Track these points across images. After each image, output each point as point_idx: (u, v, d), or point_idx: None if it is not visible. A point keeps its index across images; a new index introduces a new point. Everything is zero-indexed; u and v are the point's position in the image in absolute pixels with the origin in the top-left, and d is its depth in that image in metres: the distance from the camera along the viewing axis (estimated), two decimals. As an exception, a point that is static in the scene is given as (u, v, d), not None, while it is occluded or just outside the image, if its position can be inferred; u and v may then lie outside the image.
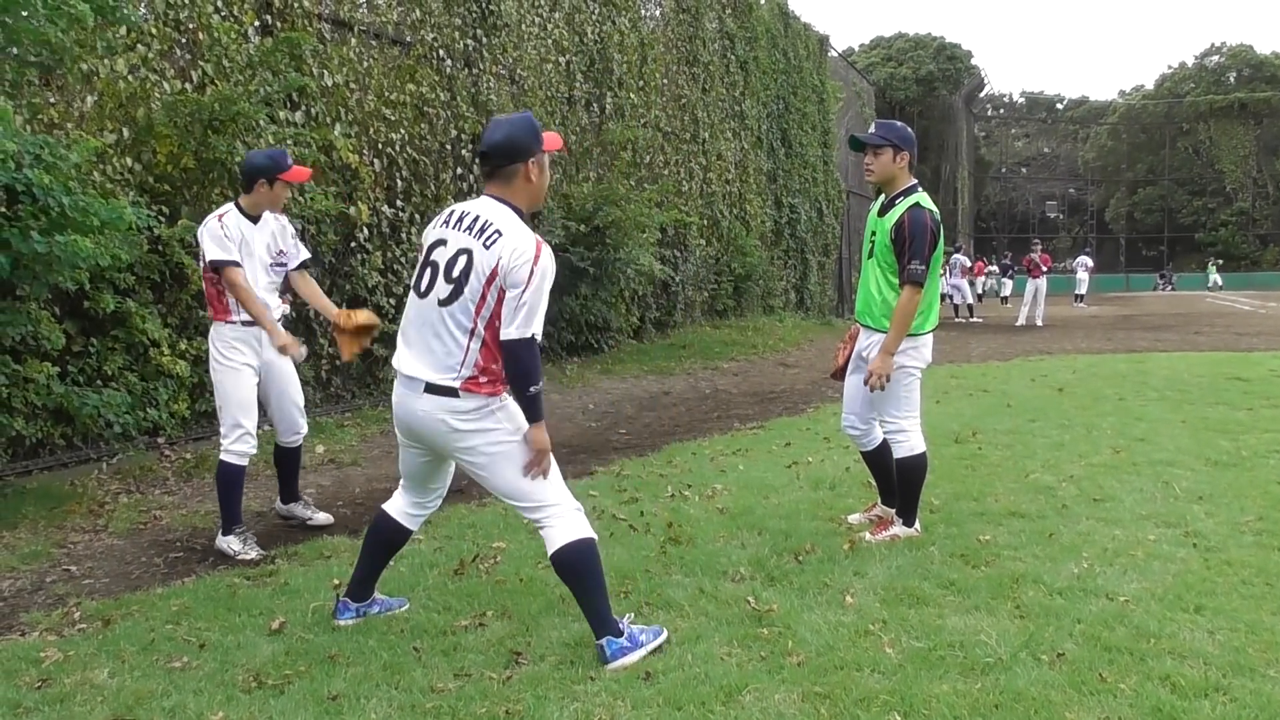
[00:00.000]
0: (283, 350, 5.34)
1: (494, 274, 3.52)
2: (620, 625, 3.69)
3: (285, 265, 5.54)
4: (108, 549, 5.46)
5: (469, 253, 3.57)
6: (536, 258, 3.54)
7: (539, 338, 3.60)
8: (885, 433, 5.28)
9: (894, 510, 5.35)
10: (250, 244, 5.29)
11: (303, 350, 5.49)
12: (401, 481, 4.06)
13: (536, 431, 3.67)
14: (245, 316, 5.28)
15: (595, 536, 3.73)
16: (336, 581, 4.58)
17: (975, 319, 27.57)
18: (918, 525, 5.27)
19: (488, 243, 3.55)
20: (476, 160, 3.77)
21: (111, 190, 6.90)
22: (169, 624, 4.13)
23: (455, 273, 3.59)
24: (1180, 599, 4.17)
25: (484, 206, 3.67)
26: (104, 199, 6.19)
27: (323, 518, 5.90)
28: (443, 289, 3.61)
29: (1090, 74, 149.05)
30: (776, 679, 3.47)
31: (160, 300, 7.54)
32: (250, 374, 5.33)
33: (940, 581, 4.46)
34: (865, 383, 5.07)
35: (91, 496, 6.36)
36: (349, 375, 9.81)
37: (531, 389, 3.61)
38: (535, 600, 4.30)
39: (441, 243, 3.68)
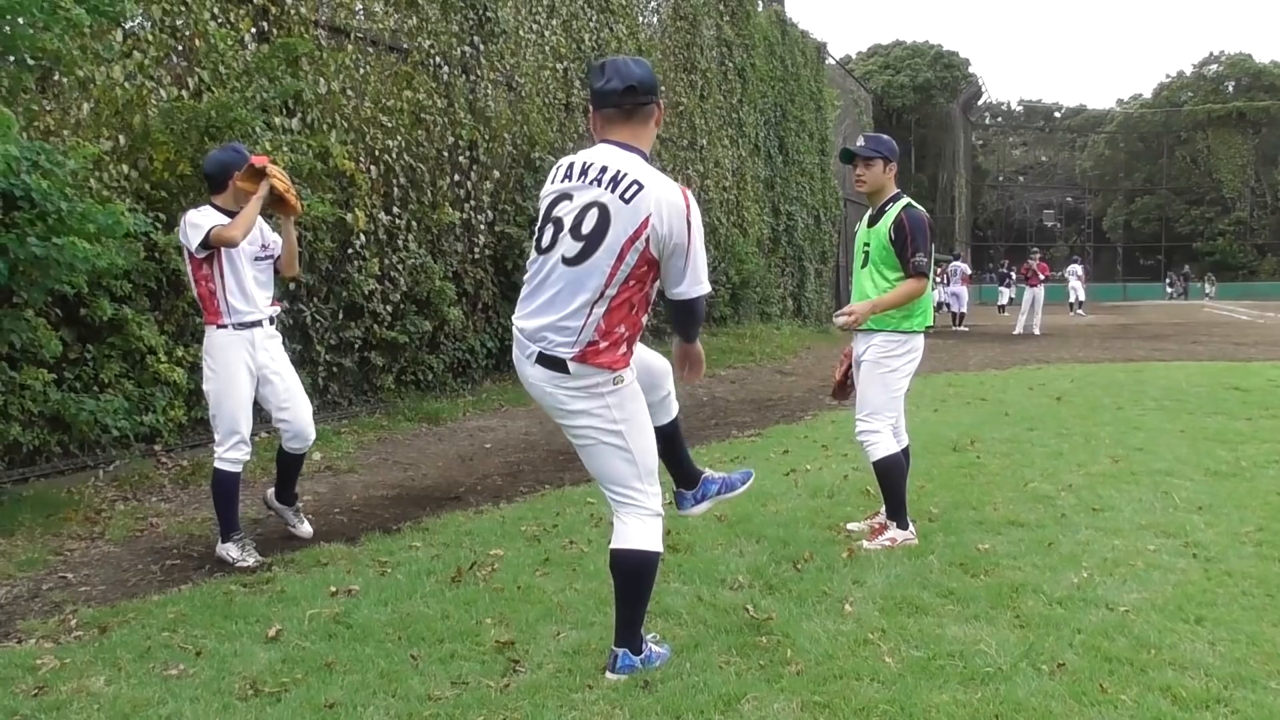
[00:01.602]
0: (287, 204, 5.24)
1: (639, 232, 3.27)
2: (644, 644, 3.63)
3: (272, 257, 5.41)
4: (104, 556, 5.44)
5: (603, 207, 3.30)
6: (688, 206, 3.32)
7: (706, 290, 3.48)
8: (858, 433, 5.35)
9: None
10: None
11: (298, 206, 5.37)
12: None
13: (693, 347, 3.68)
14: (237, 319, 5.16)
15: (662, 552, 3.63)
16: (333, 589, 4.56)
17: (963, 327, 27.57)
18: (913, 529, 5.28)
19: (627, 196, 3.28)
20: (607, 100, 3.37)
21: (108, 197, 6.88)
22: (166, 631, 4.11)
23: (586, 229, 3.31)
24: (1181, 610, 4.16)
25: (609, 155, 3.38)
26: (101, 205, 6.18)
27: (305, 530, 5.75)
28: (569, 246, 3.34)
29: (1088, 82, 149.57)
30: (775, 688, 3.45)
31: (157, 307, 7.53)
32: (244, 379, 5.21)
33: (939, 590, 4.44)
34: (836, 317, 5.23)
35: (88, 504, 6.34)
36: (346, 383, 9.80)
37: (697, 331, 3.65)
38: (533, 608, 4.28)
39: (565, 197, 3.39)
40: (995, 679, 3.49)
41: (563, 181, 3.43)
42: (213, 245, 5.02)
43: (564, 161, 3.51)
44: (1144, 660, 3.64)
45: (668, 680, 3.50)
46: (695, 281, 3.42)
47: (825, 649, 3.77)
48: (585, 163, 3.40)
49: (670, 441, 3.92)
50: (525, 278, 3.53)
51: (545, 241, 3.43)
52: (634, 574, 3.55)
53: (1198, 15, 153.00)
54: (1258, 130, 57.40)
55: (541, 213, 3.49)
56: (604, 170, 3.34)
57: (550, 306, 3.39)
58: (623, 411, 3.47)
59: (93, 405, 6.65)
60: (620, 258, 3.30)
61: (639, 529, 3.55)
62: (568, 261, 3.35)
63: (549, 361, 3.40)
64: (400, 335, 10.13)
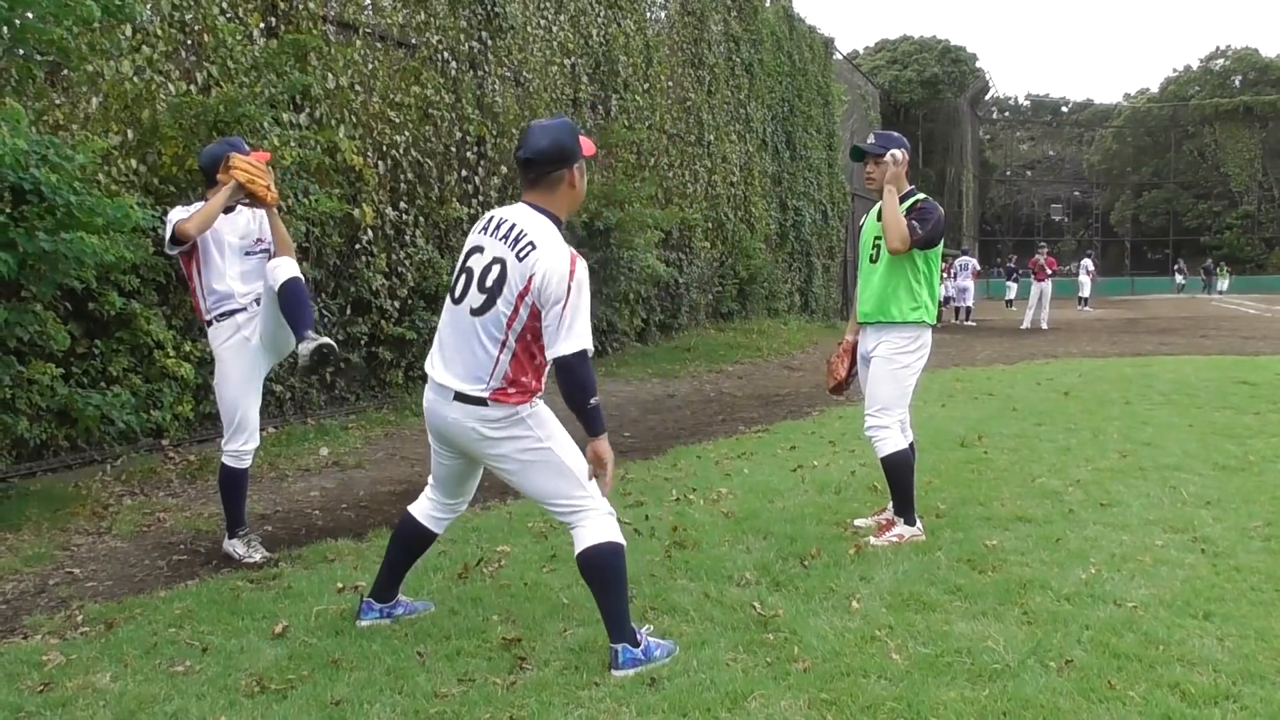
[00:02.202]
0: (256, 195, 5.05)
1: (526, 289, 3.49)
2: (639, 635, 3.65)
3: (267, 251, 5.25)
4: (111, 551, 5.45)
5: (503, 263, 3.54)
6: (572, 272, 3.49)
7: (590, 350, 3.55)
8: (867, 428, 5.35)
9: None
10: (219, 232, 5.09)
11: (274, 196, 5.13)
12: (430, 483, 4.09)
13: (599, 444, 3.59)
14: (215, 312, 5.08)
15: (624, 543, 3.69)
16: (340, 585, 4.57)
17: (969, 322, 27.57)
18: (920, 526, 5.27)
19: (521, 255, 3.51)
20: (519, 167, 3.69)
21: (116, 191, 6.89)
22: (172, 627, 4.11)
23: (489, 282, 3.56)
24: (1189, 605, 4.14)
25: (520, 215, 3.62)
26: (109, 199, 6.19)
27: (321, 342, 4.86)
28: (475, 298, 3.59)
29: (1095, 77, 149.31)
30: (782, 685, 3.44)
31: (165, 302, 7.53)
32: (239, 369, 5.09)
33: (947, 587, 4.43)
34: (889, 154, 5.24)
35: (95, 498, 6.34)
36: (353, 378, 9.80)
37: (589, 403, 3.53)
38: (539, 605, 4.27)
39: (478, 249, 3.65)
40: (1003, 676, 3.48)
41: (480, 233, 3.69)
42: (179, 240, 4.97)
43: (490, 214, 3.77)
44: (1152, 656, 3.63)
45: (674, 677, 3.50)
46: (569, 340, 3.47)
47: (832, 646, 3.76)
48: (501, 218, 3.67)
49: (410, 555, 4.18)
50: (441, 325, 3.77)
51: (458, 292, 3.67)
52: (603, 570, 3.63)
53: (1204, 10, 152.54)
54: (1264, 124, 57.15)
55: (458, 262, 3.73)
56: (512, 228, 3.60)
57: (459, 356, 3.63)
58: (545, 429, 3.66)
59: (100, 400, 6.65)
60: (515, 310, 3.53)
61: (594, 528, 3.65)
62: (474, 312, 3.60)
63: (469, 399, 3.60)
64: (408, 331, 10.13)
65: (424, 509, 4.10)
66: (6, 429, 6.28)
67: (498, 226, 3.63)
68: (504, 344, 3.55)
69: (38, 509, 6.00)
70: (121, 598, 4.60)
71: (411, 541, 4.12)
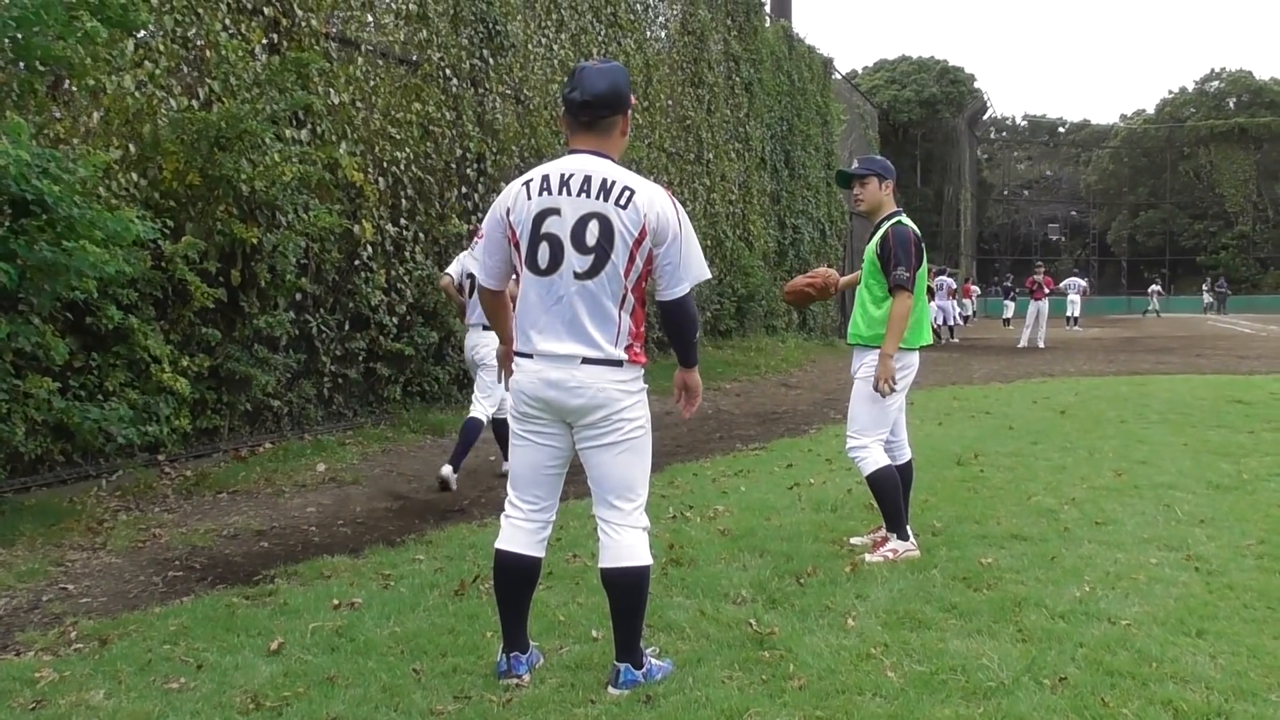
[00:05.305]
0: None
1: (642, 235, 3.37)
2: (644, 658, 3.62)
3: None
4: (106, 567, 5.44)
5: (601, 217, 3.36)
6: (675, 206, 3.45)
7: (707, 276, 3.57)
8: (848, 449, 5.41)
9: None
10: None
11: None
12: (514, 508, 3.67)
13: (693, 375, 3.72)
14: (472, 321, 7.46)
15: (651, 563, 3.64)
16: (336, 602, 4.56)
17: (953, 339, 27.57)
18: (914, 542, 5.28)
19: (623, 202, 3.36)
20: (570, 108, 3.46)
21: (117, 205, 6.90)
22: (167, 644, 4.10)
23: (590, 241, 3.36)
24: (1182, 623, 4.15)
25: (586, 164, 3.42)
26: (110, 213, 6.20)
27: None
28: (578, 261, 3.38)
29: (1092, 98, 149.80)
30: (778, 703, 3.44)
31: (163, 317, 7.54)
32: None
33: (942, 604, 4.43)
34: (875, 388, 5.18)
35: (90, 514, 6.33)
36: (351, 394, 9.81)
37: (696, 336, 3.62)
38: (536, 622, 4.25)
39: (553, 211, 3.40)
40: (997, 693, 3.48)
41: (545, 195, 3.42)
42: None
43: (534, 175, 3.50)
44: (1145, 674, 3.63)
45: (670, 695, 3.49)
46: (684, 280, 3.48)
47: (828, 664, 3.76)
48: (564, 174, 3.43)
49: (524, 594, 3.80)
50: (526, 305, 3.50)
51: (544, 261, 3.43)
52: (634, 590, 3.55)
53: (1199, 33, 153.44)
54: (1259, 145, 57.53)
55: (527, 231, 3.45)
56: (588, 180, 3.39)
57: (579, 324, 3.42)
58: (645, 408, 3.58)
59: (97, 413, 6.64)
60: (631, 260, 3.40)
61: (632, 543, 3.54)
62: (583, 275, 3.39)
63: (603, 362, 3.43)
64: (406, 347, 10.14)
65: (517, 536, 3.65)
66: (2, 442, 6.27)
67: (564, 183, 3.40)
68: (624, 298, 3.41)
69: (32, 524, 5.99)
70: (116, 614, 4.59)
71: (523, 578, 3.70)
